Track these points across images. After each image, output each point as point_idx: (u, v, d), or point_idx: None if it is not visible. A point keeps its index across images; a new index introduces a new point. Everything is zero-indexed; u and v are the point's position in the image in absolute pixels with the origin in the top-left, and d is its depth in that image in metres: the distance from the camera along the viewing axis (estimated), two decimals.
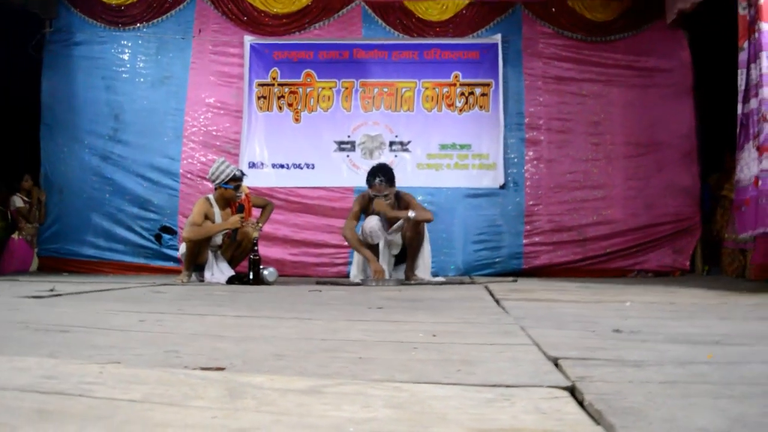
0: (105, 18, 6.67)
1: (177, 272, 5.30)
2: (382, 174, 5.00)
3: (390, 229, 5.02)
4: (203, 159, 6.47)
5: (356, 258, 5.14)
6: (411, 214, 4.85)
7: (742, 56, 4.33)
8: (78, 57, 6.62)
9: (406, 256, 5.08)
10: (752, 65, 4.23)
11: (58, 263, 6.39)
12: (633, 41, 6.51)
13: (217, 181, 4.92)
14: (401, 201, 5.09)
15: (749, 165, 4.26)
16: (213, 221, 4.92)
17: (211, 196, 5.04)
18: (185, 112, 6.57)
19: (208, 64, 6.66)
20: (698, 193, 6.34)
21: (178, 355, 1.54)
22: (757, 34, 4.16)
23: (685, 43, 6.39)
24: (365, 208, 5.12)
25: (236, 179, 4.94)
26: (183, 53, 6.66)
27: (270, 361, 1.49)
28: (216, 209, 4.98)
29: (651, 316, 2.62)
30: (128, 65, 6.66)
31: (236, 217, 4.86)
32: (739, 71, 4.35)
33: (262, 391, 1.13)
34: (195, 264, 4.94)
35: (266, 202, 5.34)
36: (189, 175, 6.47)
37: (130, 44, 6.69)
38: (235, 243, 5.02)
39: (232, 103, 6.63)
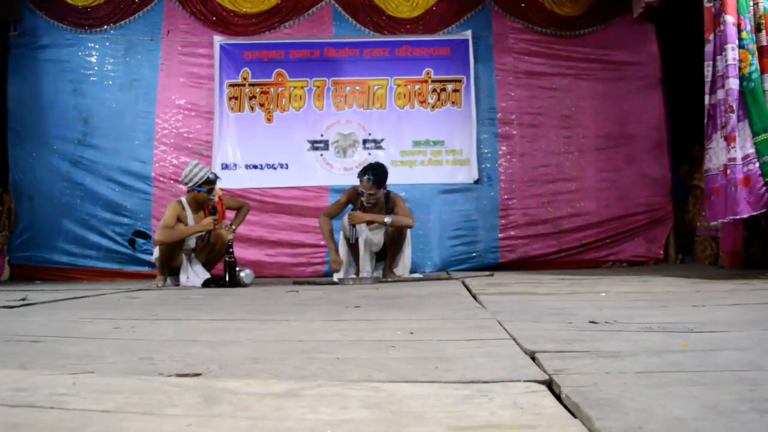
0: (71, 20, 6.53)
1: (152, 277, 5.23)
2: (372, 173, 4.99)
3: (370, 226, 5.03)
4: (175, 161, 6.39)
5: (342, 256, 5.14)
6: (387, 219, 4.87)
7: (708, 48, 4.39)
8: (44, 61, 6.49)
9: (386, 255, 5.09)
10: (718, 57, 4.30)
11: (30, 271, 6.25)
12: (601, 35, 6.59)
13: (190, 184, 4.86)
14: (389, 202, 5.11)
15: (718, 154, 4.33)
16: (186, 224, 4.87)
17: (183, 199, 4.99)
18: (156, 115, 6.47)
19: (178, 66, 6.57)
20: (669, 184, 6.44)
21: (153, 362, 1.52)
22: (722, 27, 4.23)
23: (653, 37, 6.49)
24: (352, 202, 5.12)
25: (209, 182, 4.89)
26: (152, 55, 6.56)
27: (246, 365, 1.48)
28: (188, 212, 4.93)
29: (626, 306, 2.65)
30: (96, 68, 6.53)
31: (209, 219, 4.82)
32: (706, 63, 4.41)
33: (238, 396, 1.11)
34: (170, 268, 4.88)
35: (241, 204, 5.29)
36: (161, 179, 6.38)
37: (97, 47, 6.57)
38: (209, 246, 4.98)
39: (203, 104, 6.56)
